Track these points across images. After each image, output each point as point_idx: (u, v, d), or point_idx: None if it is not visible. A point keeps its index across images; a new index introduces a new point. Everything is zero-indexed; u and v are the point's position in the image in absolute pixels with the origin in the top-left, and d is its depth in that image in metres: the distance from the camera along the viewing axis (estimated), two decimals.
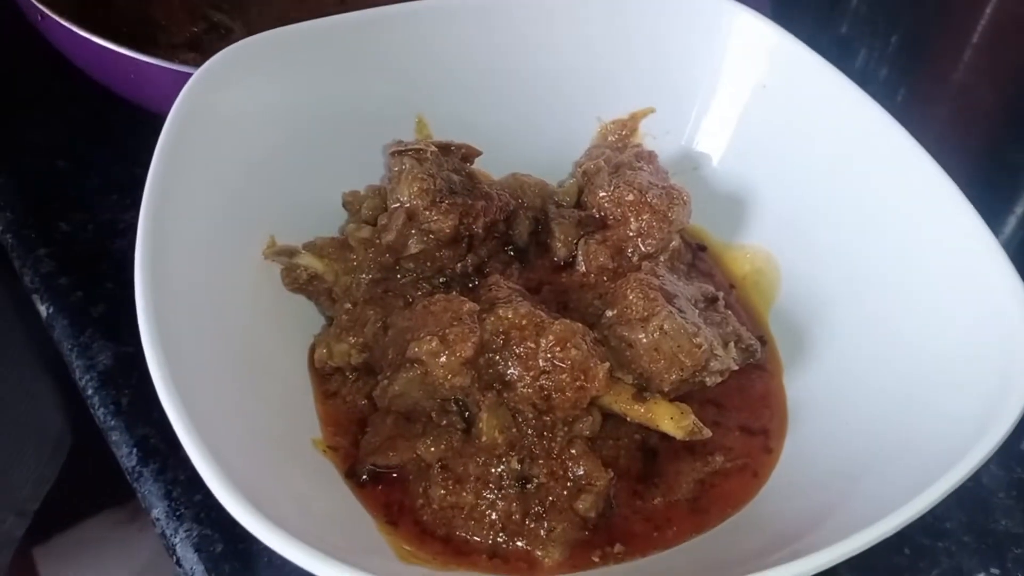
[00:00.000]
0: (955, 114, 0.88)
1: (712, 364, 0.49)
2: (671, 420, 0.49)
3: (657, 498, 0.50)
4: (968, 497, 0.57)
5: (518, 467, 0.48)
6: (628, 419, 0.50)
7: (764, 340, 0.57)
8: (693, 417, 0.49)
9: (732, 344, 0.51)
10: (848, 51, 0.94)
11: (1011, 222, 0.77)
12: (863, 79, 0.91)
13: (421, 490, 0.48)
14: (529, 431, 0.48)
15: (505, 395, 0.48)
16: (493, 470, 0.47)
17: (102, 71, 0.66)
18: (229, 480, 0.38)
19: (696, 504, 0.50)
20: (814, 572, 0.38)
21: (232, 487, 0.38)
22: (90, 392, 0.59)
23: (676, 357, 0.48)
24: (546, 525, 0.47)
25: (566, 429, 0.49)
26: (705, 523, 0.50)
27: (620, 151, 0.64)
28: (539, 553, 0.47)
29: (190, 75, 0.54)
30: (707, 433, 0.49)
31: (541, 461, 0.48)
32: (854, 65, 0.93)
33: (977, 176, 0.82)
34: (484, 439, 0.48)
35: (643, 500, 0.50)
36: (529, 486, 0.48)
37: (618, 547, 0.48)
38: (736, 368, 0.52)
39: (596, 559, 0.47)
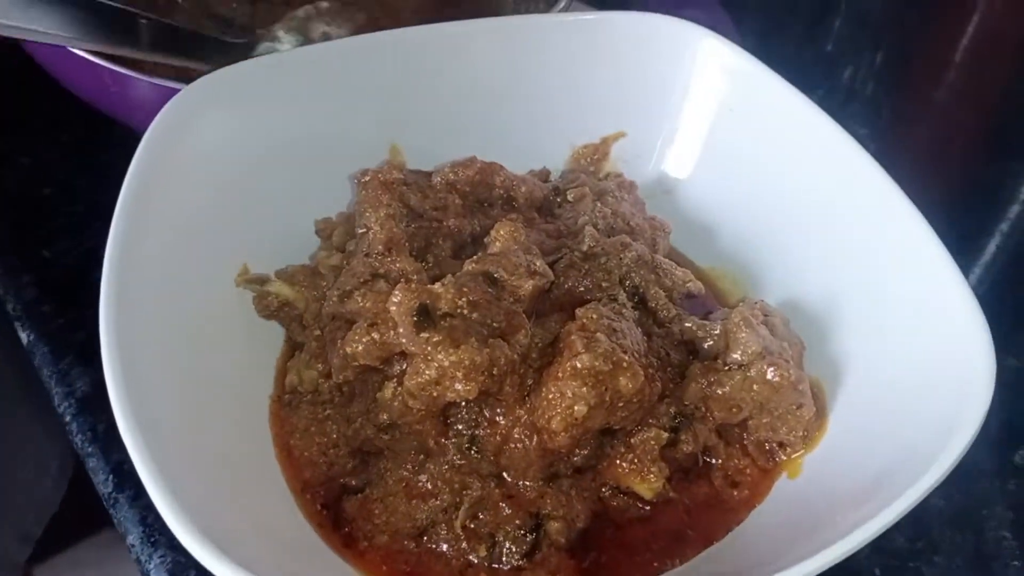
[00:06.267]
0: (936, 131, 0.89)
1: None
2: (641, 481, 0.49)
3: (639, 528, 0.51)
4: (961, 511, 0.57)
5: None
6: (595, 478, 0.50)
7: None
8: (663, 481, 0.49)
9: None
10: (832, 70, 0.95)
11: (991, 239, 0.77)
12: (847, 97, 0.92)
13: (375, 515, 0.49)
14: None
15: (472, 449, 0.49)
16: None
17: (83, 85, 0.67)
18: (188, 517, 0.39)
19: (680, 534, 0.51)
20: None
21: (191, 524, 0.39)
22: (68, 419, 0.60)
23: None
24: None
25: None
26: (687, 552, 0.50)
27: (595, 176, 0.65)
28: None
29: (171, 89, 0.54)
30: (672, 496, 0.50)
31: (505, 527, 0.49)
32: (839, 83, 0.94)
33: (957, 193, 0.83)
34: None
35: (626, 532, 0.51)
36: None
37: None
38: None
39: None
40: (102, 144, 0.75)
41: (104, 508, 0.57)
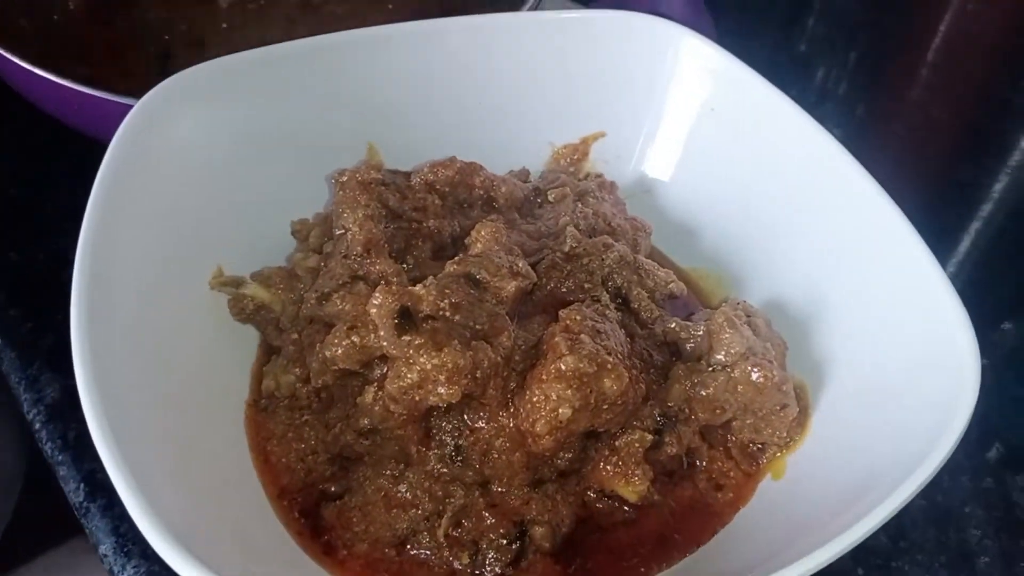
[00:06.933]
0: (909, 131, 0.89)
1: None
2: (626, 484, 0.49)
3: (624, 532, 0.50)
4: (940, 509, 0.57)
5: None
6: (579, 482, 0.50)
7: None
8: (648, 483, 0.49)
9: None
10: (807, 69, 0.95)
11: (961, 239, 0.77)
12: (821, 96, 0.92)
13: (353, 522, 0.48)
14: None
15: (456, 459, 0.48)
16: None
17: (47, 102, 0.66)
18: (163, 524, 0.38)
19: (666, 537, 0.50)
20: None
21: (166, 531, 0.37)
22: (37, 426, 0.58)
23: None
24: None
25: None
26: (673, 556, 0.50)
27: (575, 176, 0.64)
28: None
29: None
30: (657, 499, 0.50)
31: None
32: (813, 83, 0.94)
33: (931, 190, 0.83)
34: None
35: (612, 536, 0.50)
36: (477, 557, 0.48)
37: None
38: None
39: None
40: (71, 144, 0.73)
41: (73, 517, 0.56)
